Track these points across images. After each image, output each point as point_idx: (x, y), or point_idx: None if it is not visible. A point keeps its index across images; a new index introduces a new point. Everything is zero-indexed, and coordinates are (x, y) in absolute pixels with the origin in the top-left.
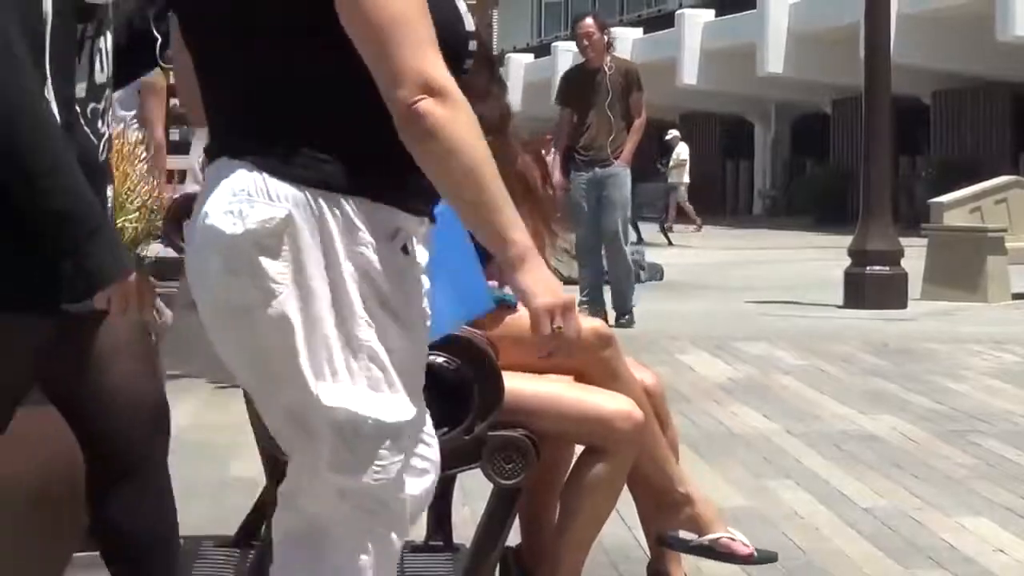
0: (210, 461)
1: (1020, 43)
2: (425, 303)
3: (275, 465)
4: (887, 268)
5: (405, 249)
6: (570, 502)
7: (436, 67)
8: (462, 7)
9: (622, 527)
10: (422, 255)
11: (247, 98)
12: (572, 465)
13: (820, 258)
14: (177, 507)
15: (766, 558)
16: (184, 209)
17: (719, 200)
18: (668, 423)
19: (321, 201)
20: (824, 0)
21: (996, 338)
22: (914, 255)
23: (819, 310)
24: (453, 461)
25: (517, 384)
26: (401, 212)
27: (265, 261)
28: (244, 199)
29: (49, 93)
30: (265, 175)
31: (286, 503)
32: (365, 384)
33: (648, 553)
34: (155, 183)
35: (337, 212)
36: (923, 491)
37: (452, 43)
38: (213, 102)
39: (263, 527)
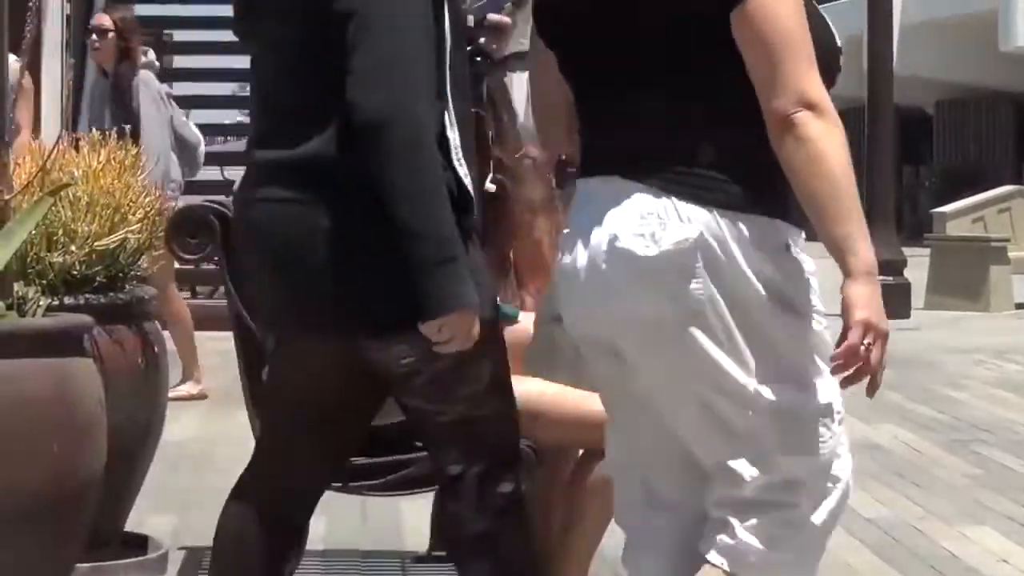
0: (213, 472)
1: (1023, 54)
2: (815, 299)
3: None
4: (890, 278)
5: (793, 256)
6: (573, 507)
7: (813, 83)
8: (830, 23)
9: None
10: (806, 259)
11: (649, 123)
12: (572, 469)
13: (823, 267)
14: (179, 518)
15: None
16: (186, 221)
17: None
18: None
19: (725, 221)
20: (826, 11)
21: (999, 348)
22: (917, 265)
23: (821, 319)
24: None
25: (519, 391)
26: (788, 225)
27: (681, 280)
28: (655, 222)
29: (450, 117)
30: (674, 198)
31: (748, 506)
32: (789, 375)
33: None
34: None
35: (739, 230)
36: (926, 501)
37: (825, 58)
38: (599, 124)
39: None
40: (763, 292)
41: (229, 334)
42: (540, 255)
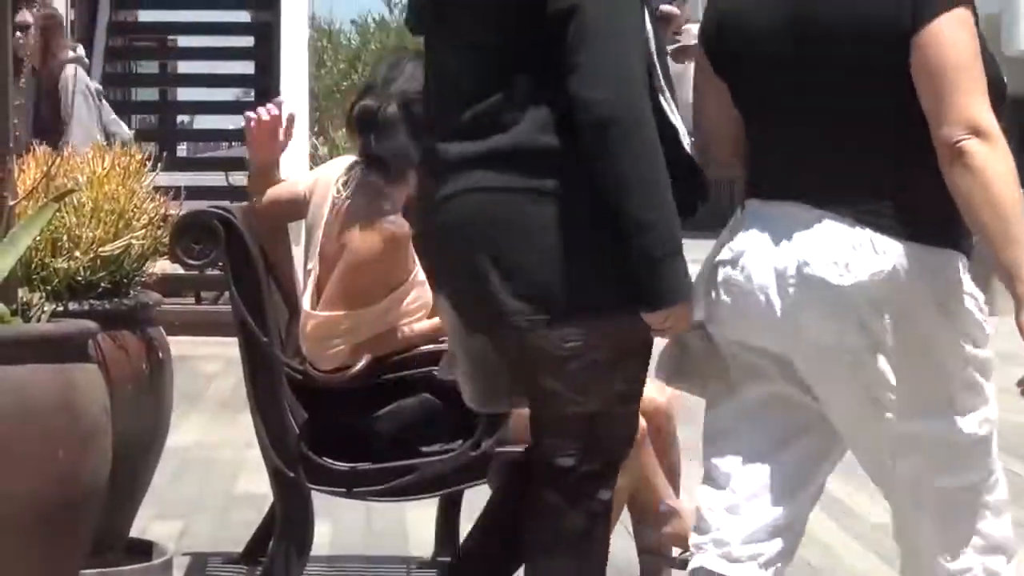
0: (217, 477)
1: None
2: (984, 326)
3: (281, 482)
4: None
5: (965, 285)
6: None
7: (983, 110)
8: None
9: (626, 539)
10: (969, 285)
11: (837, 152)
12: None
13: None
14: (183, 523)
15: None
16: (190, 226)
17: (727, 214)
18: (673, 444)
19: (915, 253)
20: None
21: (1005, 353)
22: None
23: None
24: (460, 477)
25: None
26: (963, 256)
27: (873, 312)
28: (850, 252)
29: (670, 106)
30: (869, 230)
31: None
32: (974, 396)
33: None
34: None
35: (927, 263)
36: None
37: (993, 88)
38: (778, 150)
39: (270, 543)
40: (948, 324)
41: (233, 340)
42: None
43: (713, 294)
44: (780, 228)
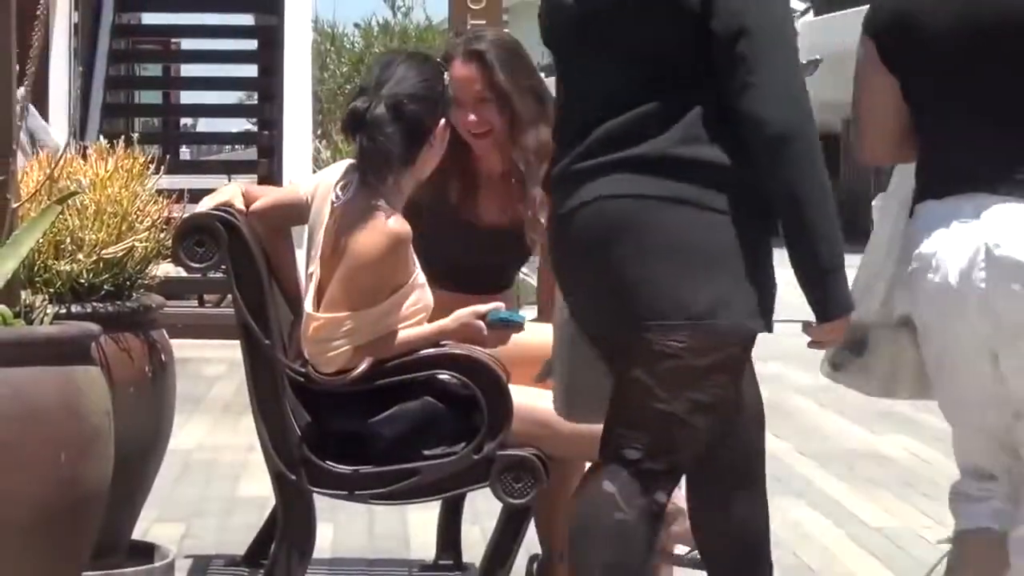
0: (219, 480)
1: None
2: None
3: (283, 484)
4: None
5: None
6: None
7: None
8: None
9: None
10: None
11: (1018, 139)
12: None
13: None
14: (186, 526)
15: None
16: (193, 228)
17: None
18: None
19: None
20: (835, 19)
21: None
22: None
23: None
24: (462, 480)
25: (525, 402)
26: None
27: None
28: None
29: None
30: None
31: None
32: None
33: None
34: (164, 203)
35: None
36: (935, 511)
37: None
38: (960, 139)
39: (272, 546)
40: None
41: (236, 342)
42: None
43: (912, 299)
44: (964, 220)
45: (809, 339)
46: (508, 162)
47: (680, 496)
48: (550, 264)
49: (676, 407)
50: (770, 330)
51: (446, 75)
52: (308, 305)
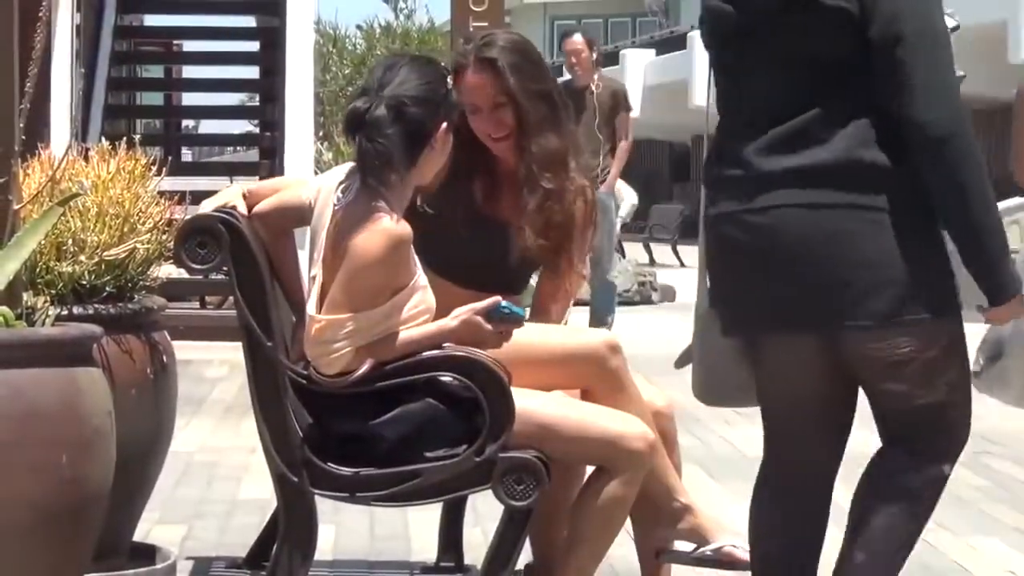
0: (221, 482)
1: None
2: None
3: (285, 486)
4: None
5: None
6: (580, 522)
7: None
8: None
9: (633, 547)
10: None
11: None
12: (582, 485)
13: None
14: (187, 528)
15: None
16: (194, 229)
17: None
18: (675, 445)
19: None
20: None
21: None
22: None
23: None
24: (464, 482)
25: (528, 405)
26: None
27: None
28: None
29: None
30: None
31: None
32: None
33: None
34: (166, 204)
35: None
36: (935, 512)
37: None
38: None
39: (273, 548)
40: None
41: (238, 344)
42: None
43: None
44: None
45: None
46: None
47: (686, 494)
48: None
49: (938, 395)
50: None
51: (449, 78)
52: (311, 307)
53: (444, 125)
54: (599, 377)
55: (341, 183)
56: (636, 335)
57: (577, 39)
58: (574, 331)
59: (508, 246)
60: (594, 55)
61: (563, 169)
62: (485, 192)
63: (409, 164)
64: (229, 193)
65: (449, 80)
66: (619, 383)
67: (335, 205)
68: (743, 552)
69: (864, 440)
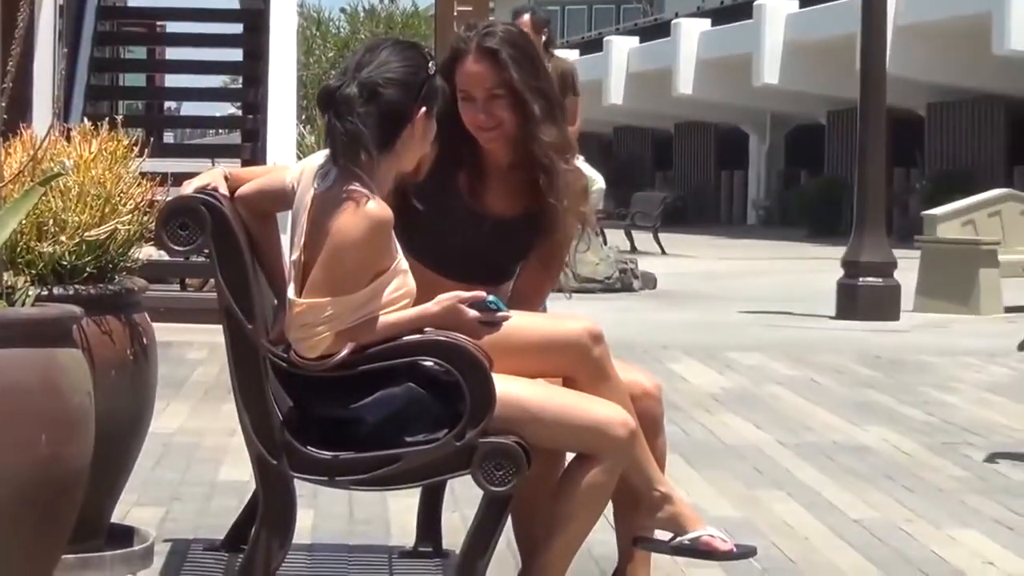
0: (199, 464)
1: (1017, 56)
2: None
3: (264, 469)
4: (880, 280)
5: None
6: (560, 508)
7: None
8: None
9: (612, 533)
10: None
11: None
12: (563, 472)
13: (813, 269)
14: (166, 510)
15: (745, 552)
16: (176, 211)
17: (713, 210)
18: (661, 428)
19: None
20: (820, 11)
21: (988, 351)
22: (907, 267)
23: (812, 321)
24: (444, 467)
25: (509, 391)
26: None
27: None
28: None
29: None
30: None
31: None
32: None
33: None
34: (148, 185)
35: None
36: (914, 503)
37: None
38: None
39: (252, 531)
40: None
41: (218, 327)
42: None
43: None
44: None
45: None
46: (516, 154)
47: (666, 483)
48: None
49: None
50: None
51: (432, 64)
52: (291, 291)
53: (423, 110)
54: (581, 366)
55: (322, 167)
56: (617, 322)
57: (525, 19)
58: (557, 319)
59: (492, 239)
60: (543, 37)
61: (563, 160)
62: (471, 184)
63: (383, 146)
64: (212, 174)
65: (432, 66)
66: (601, 372)
67: (315, 188)
68: (720, 542)
69: (840, 429)
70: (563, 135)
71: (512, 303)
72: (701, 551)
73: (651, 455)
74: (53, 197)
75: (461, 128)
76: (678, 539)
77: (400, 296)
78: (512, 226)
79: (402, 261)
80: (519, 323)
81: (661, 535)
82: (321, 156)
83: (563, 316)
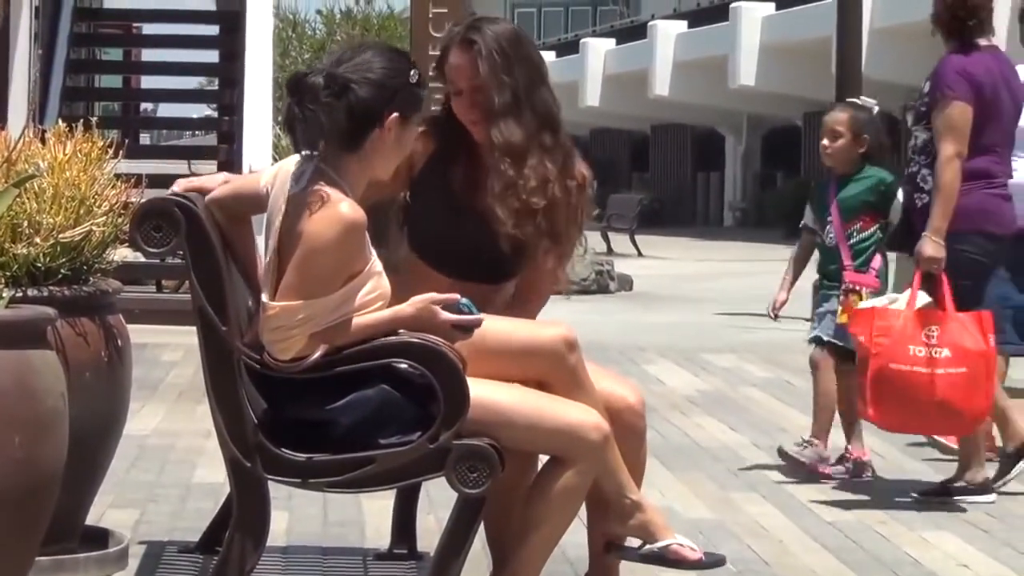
0: (174, 466)
1: None
2: None
3: (238, 471)
4: None
5: None
6: (534, 510)
7: None
8: None
9: (585, 534)
10: None
11: None
12: (536, 474)
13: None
14: (140, 512)
15: (715, 562)
16: (150, 213)
17: (689, 211)
18: (643, 441)
19: None
20: (796, 13)
21: None
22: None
23: (787, 323)
24: (418, 469)
25: (483, 393)
26: None
27: None
28: None
29: None
30: None
31: None
32: None
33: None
34: (123, 187)
35: None
36: (888, 505)
37: None
38: None
39: (226, 533)
40: None
41: (193, 329)
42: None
43: None
44: None
45: None
46: None
47: (636, 491)
48: None
49: None
50: None
51: (414, 72)
52: (265, 294)
53: (396, 115)
54: (555, 373)
55: (296, 169)
56: (593, 324)
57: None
58: (533, 325)
59: (485, 235)
60: None
61: (522, 161)
62: (466, 179)
63: (349, 143)
64: (210, 178)
65: (414, 74)
66: (575, 379)
67: (289, 190)
68: (690, 551)
69: (811, 429)
70: (520, 137)
71: (510, 309)
72: (670, 560)
73: (623, 462)
74: (28, 199)
75: (457, 123)
76: (647, 547)
77: (374, 299)
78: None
79: (376, 263)
80: (495, 327)
81: (631, 542)
82: (296, 159)
83: (539, 322)
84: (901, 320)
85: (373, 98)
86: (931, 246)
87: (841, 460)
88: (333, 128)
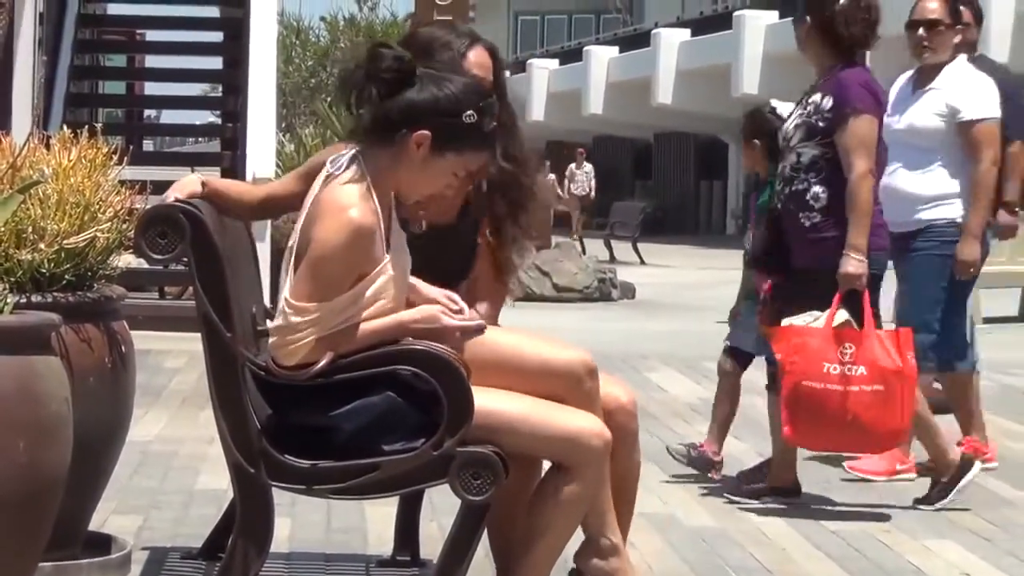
0: (178, 472)
1: None
2: None
3: (242, 477)
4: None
5: None
6: (537, 518)
7: None
8: None
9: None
10: None
11: None
12: (540, 481)
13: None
14: (143, 518)
15: None
16: (155, 219)
17: (692, 220)
18: (636, 442)
19: None
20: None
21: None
22: (888, 277)
23: None
24: (422, 476)
25: (487, 401)
26: None
27: None
28: None
29: None
30: None
31: None
32: None
33: None
34: (127, 193)
35: None
36: (891, 514)
37: None
38: None
39: (229, 540)
40: None
41: (197, 335)
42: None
43: None
44: None
45: None
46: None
47: (618, 534)
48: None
49: None
50: None
51: (470, 113)
52: (285, 290)
53: (428, 135)
54: (571, 395)
55: (337, 156)
56: (595, 332)
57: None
58: (555, 344)
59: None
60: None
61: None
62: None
63: (382, 133)
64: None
65: (468, 117)
66: (588, 404)
67: (327, 171)
68: None
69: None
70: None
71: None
72: None
73: (611, 502)
74: (32, 205)
75: None
76: None
77: (382, 300)
78: (449, 233)
79: (388, 266)
80: (517, 343)
81: None
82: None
83: (560, 342)
84: (817, 338)
85: (418, 105)
86: (852, 264)
87: (691, 446)
88: (373, 104)
